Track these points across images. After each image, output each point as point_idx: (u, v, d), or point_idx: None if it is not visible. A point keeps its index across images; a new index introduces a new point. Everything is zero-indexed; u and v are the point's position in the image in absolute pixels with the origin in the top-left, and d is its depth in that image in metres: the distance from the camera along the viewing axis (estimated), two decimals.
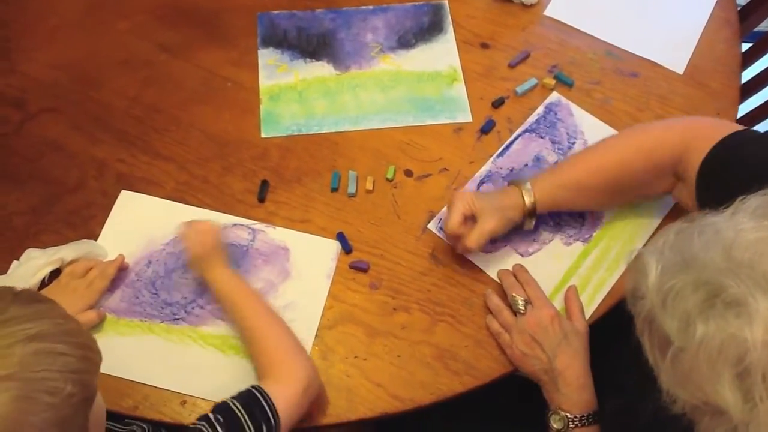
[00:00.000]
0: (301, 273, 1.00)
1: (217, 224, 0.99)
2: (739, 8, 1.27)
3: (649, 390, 0.62)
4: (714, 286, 0.55)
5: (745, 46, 1.27)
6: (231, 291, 0.93)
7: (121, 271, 0.99)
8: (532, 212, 0.96)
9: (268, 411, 0.78)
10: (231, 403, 0.79)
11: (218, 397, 0.89)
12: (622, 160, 0.94)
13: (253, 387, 0.81)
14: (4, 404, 0.55)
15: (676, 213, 1.03)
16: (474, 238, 0.94)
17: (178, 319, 0.97)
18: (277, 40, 1.22)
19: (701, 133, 0.87)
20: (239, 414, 0.77)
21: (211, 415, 0.77)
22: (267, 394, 0.80)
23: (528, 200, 0.95)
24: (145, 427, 0.86)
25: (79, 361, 0.61)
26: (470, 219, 0.95)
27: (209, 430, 0.76)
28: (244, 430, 0.77)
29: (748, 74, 1.29)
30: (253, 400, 0.79)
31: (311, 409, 0.88)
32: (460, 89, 1.17)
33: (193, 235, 0.96)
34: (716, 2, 1.25)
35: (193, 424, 0.77)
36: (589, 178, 0.95)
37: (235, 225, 1.03)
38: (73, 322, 0.64)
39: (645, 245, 0.72)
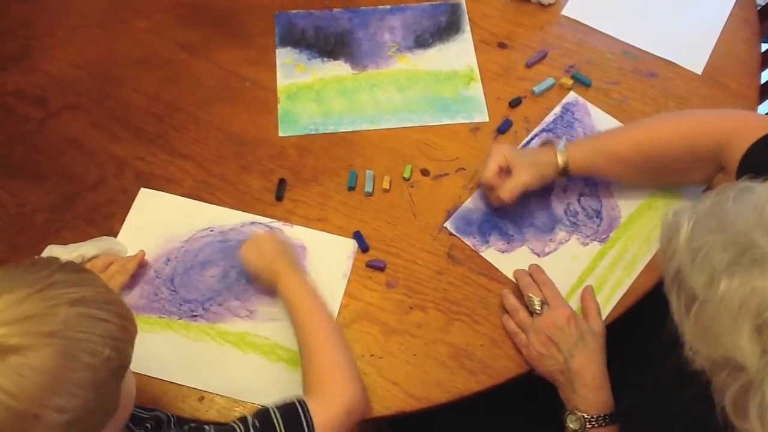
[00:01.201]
0: (318, 271, 1.00)
1: (274, 234, 0.98)
2: (758, 8, 1.26)
3: (667, 391, 0.62)
4: (743, 245, 0.56)
5: (765, 47, 1.26)
6: (292, 302, 0.92)
7: (140, 268, 1.00)
8: (564, 171, 0.98)
9: (306, 428, 0.78)
10: (272, 411, 0.78)
11: (236, 394, 0.91)
12: (663, 138, 0.96)
13: (297, 400, 0.80)
14: (47, 358, 0.58)
15: None
16: (508, 188, 0.97)
17: (196, 316, 0.97)
18: (295, 39, 1.23)
19: (743, 127, 0.88)
20: (276, 424, 0.77)
21: (249, 418, 0.77)
22: (309, 411, 0.79)
23: (560, 160, 0.97)
24: (169, 414, 0.87)
25: (118, 329, 0.64)
26: (505, 171, 0.98)
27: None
28: None
29: (767, 75, 1.28)
30: (294, 413, 0.78)
31: None
32: (477, 89, 1.17)
33: (250, 249, 0.96)
34: (735, 2, 1.24)
35: (232, 421, 0.77)
36: (629, 151, 0.97)
37: (252, 223, 1.04)
38: (113, 294, 0.67)
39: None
